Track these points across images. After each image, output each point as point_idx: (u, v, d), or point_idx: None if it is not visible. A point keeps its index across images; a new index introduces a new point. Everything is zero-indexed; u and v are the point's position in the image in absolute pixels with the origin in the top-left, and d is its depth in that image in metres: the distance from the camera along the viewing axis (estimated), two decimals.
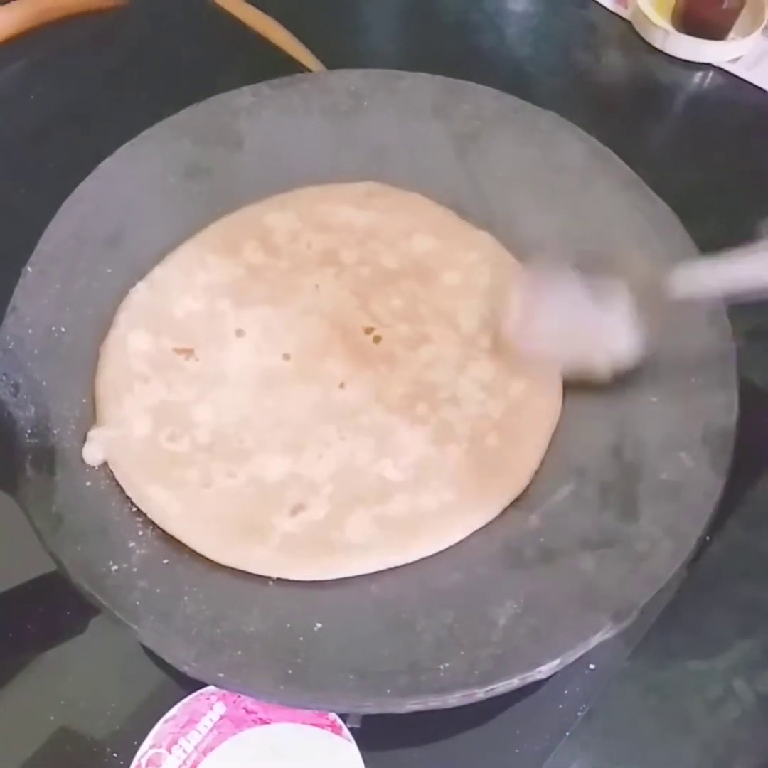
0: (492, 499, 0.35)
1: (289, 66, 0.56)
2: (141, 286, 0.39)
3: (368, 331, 0.40)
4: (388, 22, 0.67)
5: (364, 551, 0.34)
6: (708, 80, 0.61)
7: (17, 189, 0.50)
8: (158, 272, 0.40)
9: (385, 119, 0.44)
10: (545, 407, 0.38)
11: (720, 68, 0.61)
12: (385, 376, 0.38)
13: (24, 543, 0.36)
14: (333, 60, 0.57)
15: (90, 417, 0.36)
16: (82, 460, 0.34)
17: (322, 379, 0.38)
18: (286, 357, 0.39)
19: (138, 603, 0.31)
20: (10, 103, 0.55)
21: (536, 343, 0.37)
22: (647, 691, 0.38)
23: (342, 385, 0.38)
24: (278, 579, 0.33)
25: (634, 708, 0.38)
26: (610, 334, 0.35)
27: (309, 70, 0.55)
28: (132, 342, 0.38)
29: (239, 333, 0.39)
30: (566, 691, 0.37)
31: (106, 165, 0.41)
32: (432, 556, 0.34)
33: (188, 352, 0.38)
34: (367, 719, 0.35)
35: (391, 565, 0.34)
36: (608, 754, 0.37)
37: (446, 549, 0.34)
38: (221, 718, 0.36)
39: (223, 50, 0.58)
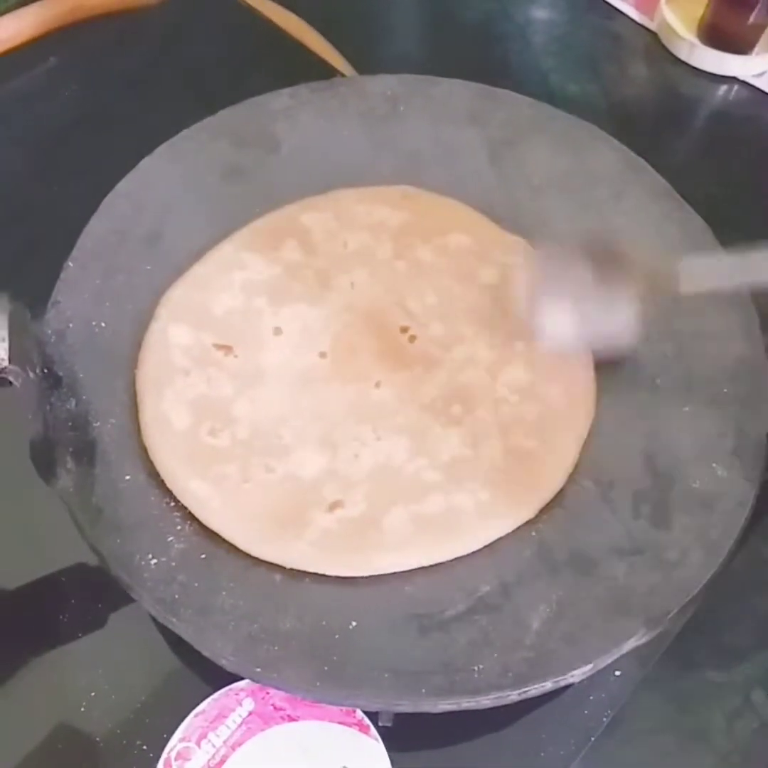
0: (527, 500, 0.36)
1: (319, 69, 0.56)
2: (181, 282, 0.40)
3: (404, 329, 0.40)
4: (416, 29, 0.67)
5: (401, 548, 0.34)
6: (733, 94, 0.62)
7: (50, 186, 0.51)
8: (198, 269, 0.40)
9: (420, 124, 0.45)
10: (579, 413, 0.38)
11: (745, 82, 0.61)
12: (420, 376, 0.39)
13: (60, 534, 0.36)
14: (362, 64, 0.58)
15: (130, 410, 0.36)
16: (123, 453, 0.35)
17: (358, 378, 0.38)
18: (323, 355, 0.39)
19: (177, 596, 0.32)
20: (40, 101, 0.56)
21: (544, 321, 0.36)
22: (667, 701, 0.39)
23: (377, 385, 0.38)
24: (314, 576, 0.33)
25: (654, 718, 0.38)
26: (613, 318, 0.35)
27: (340, 73, 0.56)
28: (173, 336, 0.38)
29: (277, 331, 0.39)
30: (592, 697, 0.38)
31: (146, 163, 0.41)
32: (466, 557, 0.34)
33: (228, 349, 0.38)
34: (396, 720, 0.35)
35: (427, 564, 0.34)
36: (626, 764, 0.37)
37: (480, 551, 0.35)
38: (250, 714, 0.36)
39: (253, 51, 0.58)
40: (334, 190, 0.43)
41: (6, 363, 0.29)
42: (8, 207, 0.50)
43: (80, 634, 0.38)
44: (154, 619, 0.37)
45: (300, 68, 0.56)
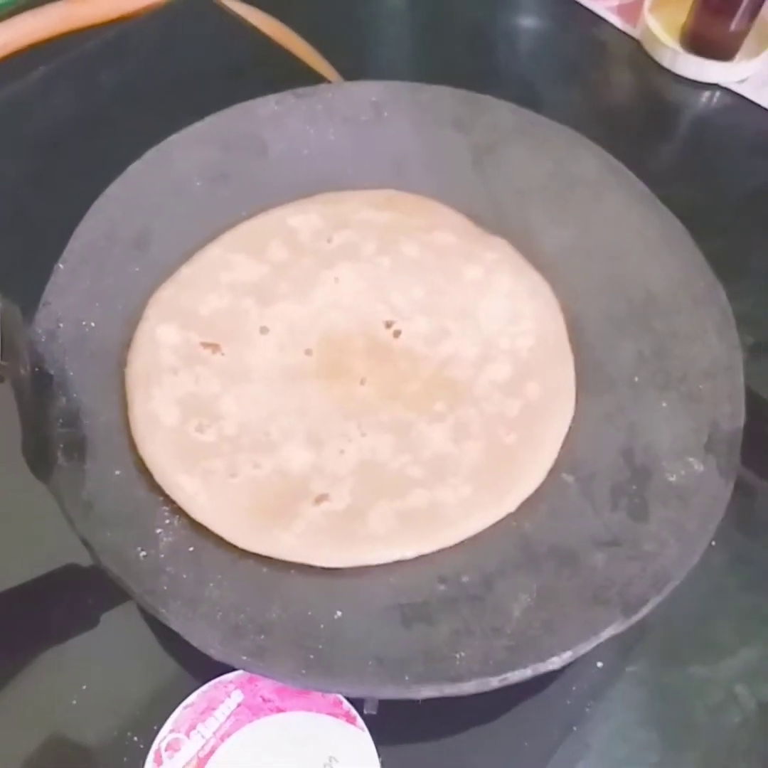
0: (507, 495, 0.37)
1: (306, 76, 0.57)
2: (169, 283, 0.40)
3: (388, 324, 0.41)
4: (402, 37, 0.68)
5: (385, 541, 0.35)
6: (715, 100, 0.63)
7: (42, 191, 0.52)
8: (185, 270, 0.41)
9: (405, 130, 0.46)
10: (560, 409, 0.39)
11: (727, 89, 0.62)
12: (405, 372, 0.39)
13: (52, 534, 0.37)
14: (349, 71, 0.59)
15: (119, 407, 0.37)
16: (113, 449, 0.35)
17: (344, 375, 0.39)
18: (308, 353, 0.40)
19: (165, 588, 0.32)
20: (32, 108, 0.56)
21: None
22: (650, 695, 0.39)
23: (363, 381, 0.39)
24: (300, 568, 0.34)
25: (638, 712, 0.39)
26: None
27: (327, 81, 0.57)
28: (161, 335, 0.39)
29: (263, 330, 0.40)
30: (574, 688, 0.38)
31: (134, 168, 0.42)
32: (448, 549, 0.35)
33: (215, 347, 0.39)
34: (381, 711, 0.36)
35: (410, 556, 0.35)
36: (612, 757, 0.38)
37: (462, 543, 0.35)
38: (238, 705, 0.36)
39: (241, 59, 0.59)
40: (320, 194, 0.44)
41: None
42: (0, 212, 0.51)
43: (72, 632, 0.38)
44: (144, 616, 0.38)
45: (287, 76, 0.56)
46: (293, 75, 0.57)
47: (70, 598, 0.39)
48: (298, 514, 0.35)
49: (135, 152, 0.44)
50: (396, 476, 0.37)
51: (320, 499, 0.36)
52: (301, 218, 0.43)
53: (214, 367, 0.39)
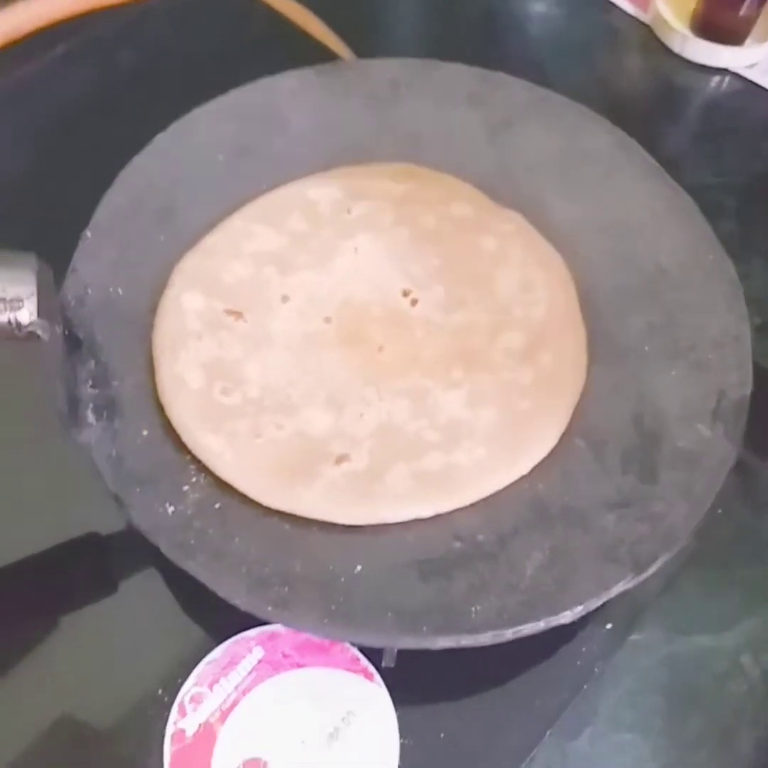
0: (520, 458, 0.38)
1: (321, 54, 0.58)
2: (193, 252, 0.41)
3: (406, 293, 0.42)
4: (415, 19, 0.69)
5: (403, 500, 0.36)
6: (724, 85, 0.63)
7: (63, 166, 0.53)
8: (209, 240, 0.42)
9: (421, 106, 0.47)
10: (572, 377, 0.40)
11: (736, 73, 0.63)
12: (422, 339, 0.41)
13: (70, 502, 0.39)
14: (362, 50, 0.59)
15: (146, 370, 0.38)
16: (141, 410, 0.36)
17: (362, 342, 0.40)
18: (328, 321, 0.41)
19: (193, 542, 0.33)
20: (51, 87, 0.57)
21: None
22: (657, 664, 0.40)
23: (381, 349, 0.40)
24: (321, 525, 0.35)
25: (644, 680, 0.40)
26: None
27: (340, 58, 0.58)
28: (186, 302, 0.40)
29: (284, 298, 0.41)
30: (584, 649, 0.39)
31: (160, 139, 0.43)
32: (464, 509, 0.36)
33: (238, 315, 0.40)
34: (398, 667, 0.37)
35: (426, 515, 0.36)
36: (619, 723, 0.39)
37: (477, 504, 0.36)
38: (259, 661, 0.38)
39: (256, 37, 0.60)
40: (338, 167, 0.45)
41: (35, 317, 0.31)
42: (25, 186, 0.52)
43: (98, 593, 0.40)
44: (165, 578, 0.39)
45: (302, 54, 0.57)
46: (307, 53, 0.58)
47: (91, 566, 0.41)
48: (319, 473, 0.36)
49: (153, 129, 0.45)
50: (413, 439, 0.38)
51: (340, 459, 0.37)
52: (321, 190, 0.44)
53: (237, 333, 0.40)
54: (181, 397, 0.37)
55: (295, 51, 0.58)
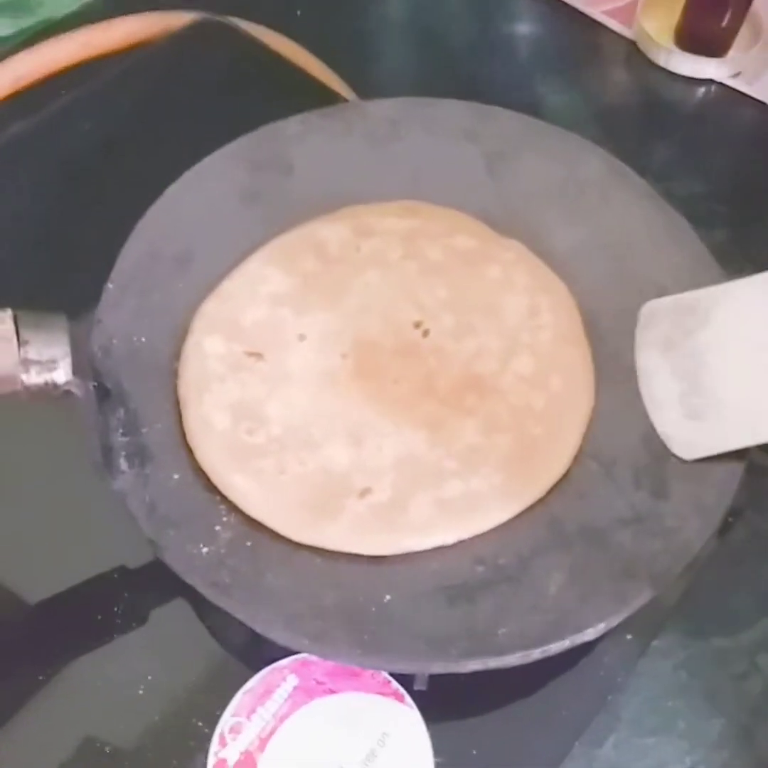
0: (536, 482, 0.39)
1: (319, 92, 0.59)
2: (212, 297, 0.43)
3: (417, 325, 0.43)
4: (408, 49, 0.70)
5: (425, 529, 0.37)
6: (710, 95, 0.64)
7: (75, 216, 0.53)
8: (226, 285, 0.44)
9: (420, 143, 0.48)
10: (581, 400, 0.41)
11: (721, 83, 0.64)
12: (435, 369, 0.42)
13: (111, 535, 0.40)
14: (360, 84, 0.61)
15: (173, 416, 0.40)
16: (170, 454, 0.38)
17: (377, 375, 0.41)
18: (344, 356, 0.42)
19: (227, 580, 0.34)
20: (57, 136, 0.58)
21: None
22: (676, 668, 0.41)
23: (396, 381, 0.41)
24: (350, 557, 0.37)
25: (665, 684, 0.41)
26: None
27: (339, 95, 0.59)
28: (207, 346, 0.41)
29: (301, 337, 0.43)
30: (606, 660, 0.40)
31: (172, 190, 0.45)
32: (485, 535, 0.38)
33: (257, 356, 0.42)
34: (429, 688, 0.38)
35: (449, 542, 0.37)
36: (642, 727, 0.40)
37: (497, 529, 0.38)
38: (294, 689, 0.39)
39: (255, 78, 0.61)
40: (345, 207, 0.46)
41: (70, 377, 0.32)
42: (38, 238, 0.53)
43: (133, 626, 0.41)
44: (197, 610, 0.40)
45: (302, 92, 0.59)
46: (307, 91, 0.59)
47: (127, 594, 0.42)
48: (344, 507, 0.38)
49: (160, 173, 0.46)
50: (432, 468, 0.39)
51: (364, 492, 0.38)
52: (330, 229, 0.46)
53: (258, 373, 0.41)
54: (207, 439, 0.39)
55: (296, 90, 0.59)
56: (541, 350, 0.42)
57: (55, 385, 0.32)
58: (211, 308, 0.43)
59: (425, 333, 0.43)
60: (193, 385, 0.40)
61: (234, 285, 0.44)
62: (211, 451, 0.39)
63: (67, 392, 0.33)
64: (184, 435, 0.39)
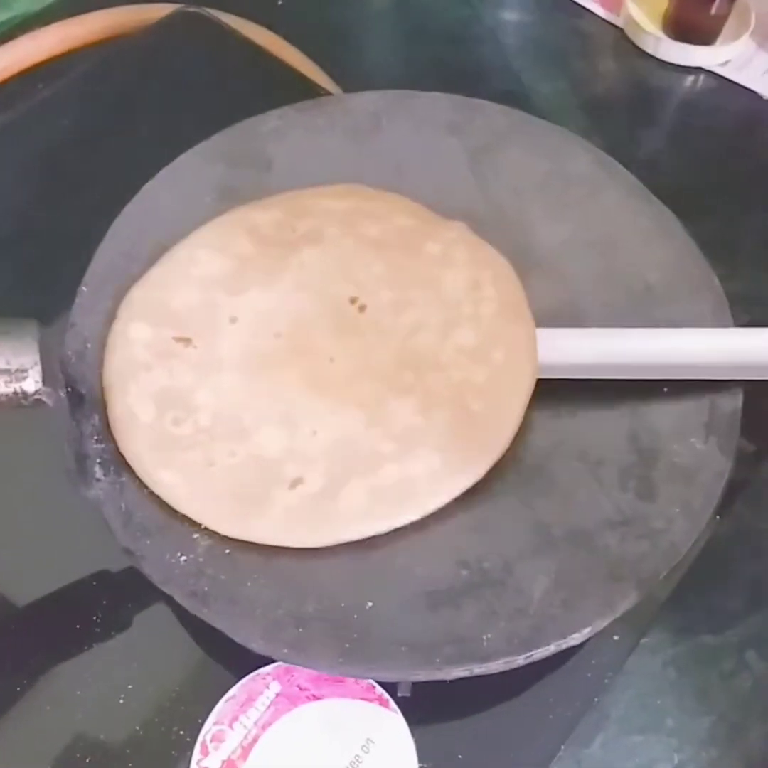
0: (474, 464, 0.38)
1: (301, 85, 0.58)
2: (139, 284, 0.41)
3: (353, 300, 0.41)
4: (393, 39, 0.70)
5: (359, 518, 0.36)
6: (699, 83, 0.65)
7: (51, 212, 0.53)
8: (155, 270, 0.42)
9: (402, 136, 0.47)
10: (524, 374, 0.40)
11: (710, 71, 0.64)
12: (373, 345, 0.40)
13: (88, 540, 0.39)
14: (343, 77, 0.60)
15: None
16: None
17: (313, 354, 0.40)
18: (278, 336, 0.40)
19: (206, 589, 0.34)
20: (34, 130, 0.58)
21: None
22: (664, 665, 0.41)
23: (332, 359, 0.40)
24: (331, 563, 0.36)
25: (653, 683, 0.41)
26: None
27: (321, 88, 0.58)
28: (133, 333, 0.40)
29: (233, 319, 0.41)
30: (593, 661, 0.40)
31: (147, 189, 0.44)
32: (466, 537, 0.37)
33: (187, 341, 0.40)
34: (413, 693, 0.38)
35: (385, 531, 0.36)
36: (630, 726, 0.40)
37: (480, 530, 0.37)
38: (277, 696, 0.39)
39: (237, 71, 0.60)
40: (280, 193, 0.45)
41: (41, 385, 0.32)
42: (12, 233, 0.52)
43: (113, 634, 0.40)
44: (178, 616, 0.40)
45: (283, 85, 0.58)
46: (289, 84, 0.58)
47: (106, 601, 0.41)
48: (274, 498, 0.36)
49: (139, 167, 0.45)
50: (367, 453, 0.37)
51: (295, 482, 0.37)
52: (264, 213, 0.44)
53: (187, 360, 0.39)
54: (132, 432, 0.37)
55: (278, 83, 0.58)
56: (484, 324, 0.41)
57: (24, 395, 0.32)
58: (138, 294, 0.41)
59: (362, 308, 0.41)
60: (117, 375, 0.38)
61: (163, 269, 0.42)
62: (135, 444, 0.37)
63: (38, 401, 0.32)
64: None
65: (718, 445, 0.38)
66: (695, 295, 0.42)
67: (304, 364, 0.39)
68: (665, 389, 0.40)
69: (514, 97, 0.50)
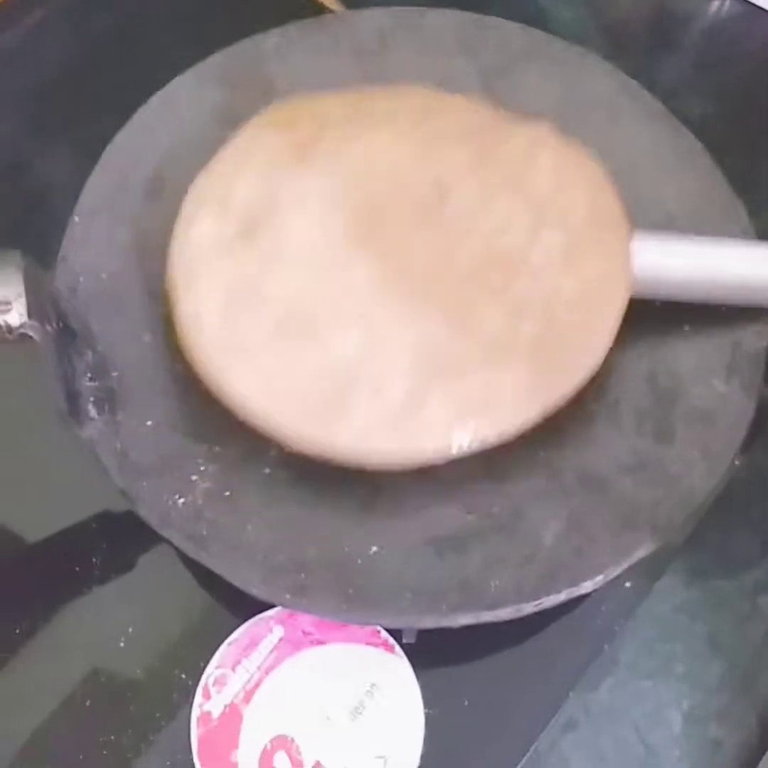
0: (562, 378, 0.35)
1: (306, 3, 0.55)
2: (199, 177, 0.38)
3: (435, 187, 0.37)
4: None
5: (441, 430, 0.34)
6: (724, 9, 0.61)
7: (44, 141, 0.51)
8: (215, 164, 0.39)
9: (411, 57, 0.45)
10: (617, 287, 0.36)
11: None
12: (455, 241, 0.36)
13: (87, 481, 0.38)
14: None
15: (145, 356, 0.37)
16: (143, 399, 0.35)
17: (390, 248, 0.36)
18: (350, 229, 0.36)
19: (205, 533, 0.33)
20: (26, 57, 0.55)
21: None
22: (676, 610, 0.41)
23: (410, 257, 0.36)
24: (333, 507, 0.35)
25: (664, 628, 0.40)
26: None
27: (327, 7, 0.55)
28: (194, 231, 0.37)
29: (300, 208, 0.37)
30: (604, 608, 0.40)
31: (141, 114, 0.41)
32: (478, 483, 0.36)
33: (250, 233, 0.36)
34: (419, 639, 0.37)
35: (467, 447, 0.34)
36: (639, 671, 0.39)
37: (491, 476, 0.36)
38: (280, 640, 0.38)
39: None
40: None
41: (25, 318, 0.30)
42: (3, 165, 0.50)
43: (113, 576, 0.40)
44: (181, 558, 0.39)
45: (284, 2, 0.55)
46: (294, 3, 0.55)
47: (106, 544, 0.40)
48: (355, 405, 0.33)
49: (136, 95, 0.43)
50: (452, 359, 0.34)
51: (376, 389, 0.34)
52: (333, 99, 0.40)
53: (253, 253, 0.36)
54: (200, 337, 0.35)
55: (281, 2, 0.55)
56: (575, 229, 0.37)
57: (9, 328, 0.30)
58: (200, 186, 0.38)
59: (443, 198, 0.37)
60: (183, 273, 0.36)
61: (226, 156, 0.38)
62: (203, 350, 0.34)
63: (23, 336, 0.30)
64: (158, 380, 0.36)
65: (740, 385, 0.36)
66: (719, 228, 0.39)
67: (380, 259, 0.35)
68: (686, 327, 0.38)
69: (529, 20, 0.47)
